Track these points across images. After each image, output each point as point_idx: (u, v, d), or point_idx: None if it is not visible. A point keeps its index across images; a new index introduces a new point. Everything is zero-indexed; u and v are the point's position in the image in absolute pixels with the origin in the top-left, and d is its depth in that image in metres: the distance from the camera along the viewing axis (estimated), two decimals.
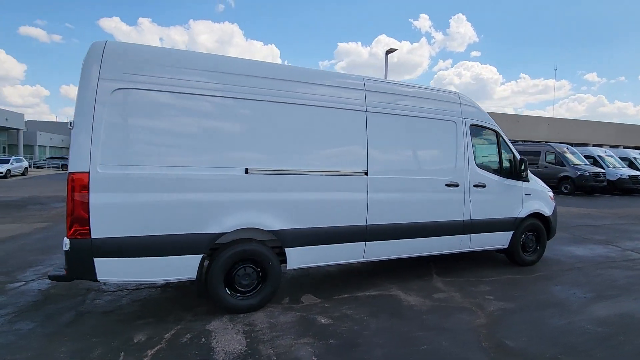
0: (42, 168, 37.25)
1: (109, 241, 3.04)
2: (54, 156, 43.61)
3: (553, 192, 6.04)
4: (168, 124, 3.31)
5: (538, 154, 17.29)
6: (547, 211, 5.49)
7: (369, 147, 4.11)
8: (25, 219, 8.54)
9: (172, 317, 3.47)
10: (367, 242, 4.11)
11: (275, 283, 3.69)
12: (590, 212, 11.19)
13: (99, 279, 3.07)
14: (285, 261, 3.76)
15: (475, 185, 4.79)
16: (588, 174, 15.74)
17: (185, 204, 3.28)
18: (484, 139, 5.23)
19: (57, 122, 60.76)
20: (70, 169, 2.99)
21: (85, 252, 2.99)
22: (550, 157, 16.93)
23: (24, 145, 40.94)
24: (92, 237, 2.99)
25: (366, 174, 4.06)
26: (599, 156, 18.15)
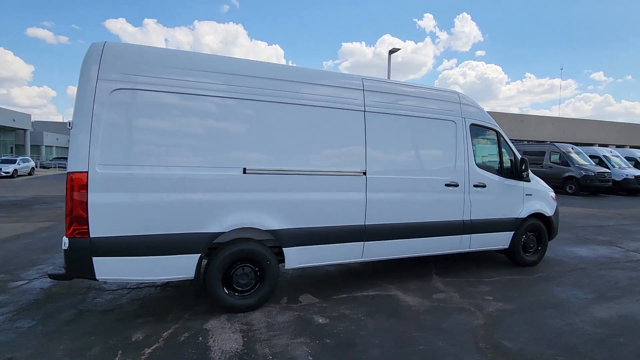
0: (48, 168, 37.60)
1: (107, 240, 3.07)
2: (60, 156, 43.98)
3: (557, 192, 6.00)
4: (166, 124, 3.34)
5: (542, 153, 17.17)
6: (549, 211, 5.45)
7: (368, 147, 4.10)
8: (30, 218, 8.64)
9: (171, 316, 3.49)
10: (365, 242, 4.11)
11: (273, 283, 3.70)
12: (595, 213, 11.09)
13: (97, 278, 3.10)
14: (283, 261, 3.77)
15: (475, 185, 4.77)
16: (593, 174, 15.59)
17: (183, 203, 3.30)
18: (485, 139, 5.21)
19: (63, 122, 61.20)
20: (69, 169, 3.02)
21: (83, 251, 3.01)
22: (555, 157, 16.79)
23: (30, 145, 41.31)
24: (91, 236, 3.02)
25: (365, 173, 4.06)
26: (605, 156, 17.98)
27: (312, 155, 3.87)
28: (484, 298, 4.11)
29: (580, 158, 16.73)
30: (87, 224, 3.00)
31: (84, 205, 2.98)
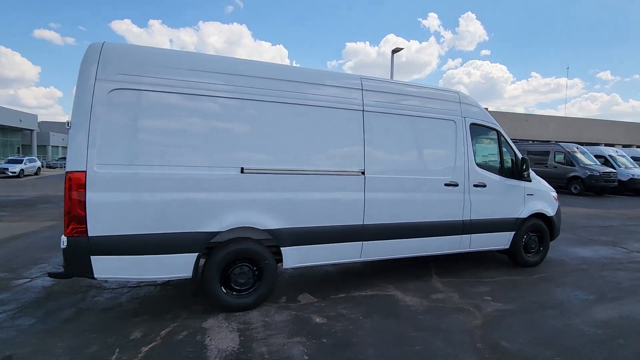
0: (54, 168, 37.97)
1: (105, 239, 3.10)
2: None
3: (562, 192, 5.96)
4: (165, 124, 3.36)
5: (547, 153, 17.03)
6: (550, 211, 5.41)
7: (366, 147, 4.10)
8: (34, 217, 8.73)
9: (169, 314, 3.52)
10: (364, 242, 4.10)
11: (271, 282, 3.71)
12: (599, 213, 10.98)
13: (95, 276, 3.13)
14: (281, 260, 3.77)
15: (475, 185, 4.74)
16: (598, 174, 15.43)
17: (181, 203, 3.31)
18: (485, 138, 5.18)
19: None
20: (68, 168, 3.05)
21: (82, 249, 3.04)
22: (560, 157, 16.64)
23: (37, 145, 41.74)
24: (89, 235, 3.04)
25: (363, 173, 4.06)
26: (610, 156, 17.78)
27: (310, 154, 3.87)
28: (483, 298, 4.09)
29: (586, 158, 16.56)
30: (86, 223, 3.02)
31: (82, 204, 3.01)
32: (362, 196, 4.05)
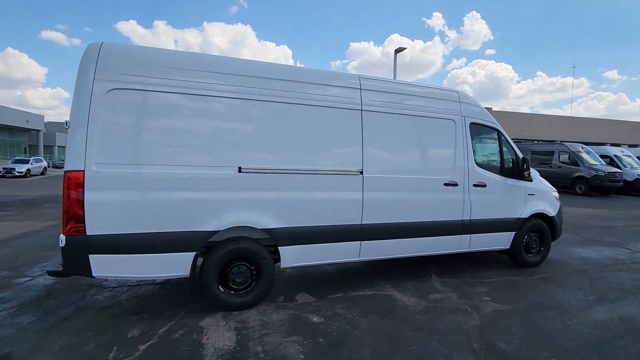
0: (60, 168, 38.28)
1: (103, 238, 3.12)
2: None
3: (567, 192, 5.92)
4: (163, 124, 3.38)
5: (551, 153, 16.90)
6: (552, 211, 5.37)
7: (365, 146, 4.10)
8: (39, 216, 8.82)
9: (167, 313, 3.54)
10: (362, 242, 4.10)
11: (269, 281, 3.72)
12: (604, 213, 10.88)
13: (94, 275, 3.16)
14: (279, 260, 3.78)
15: (475, 185, 4.72)
16: (603, 174, 15.29)
17: (179, 202, 3.33)
18: (485, 138, 5.16)
19: None
20: (66, 168, 3.08)
21: (80, 248, 3.07)
22: (564, 157, 16.51)
23: (43, 145, 42.20)
24: (87, 234, 3.07)
25: (361, 173, 4.06)
26: (616, 155, 17.60)
27: (308, 154, 3.87)
28: (482, 299, 4.07)
29: (591, 158, 16.41)
30: (84, 222, 3.05)
31: (81, 203, 3.04)
32: (360, 196, 4.05)
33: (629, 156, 18.24)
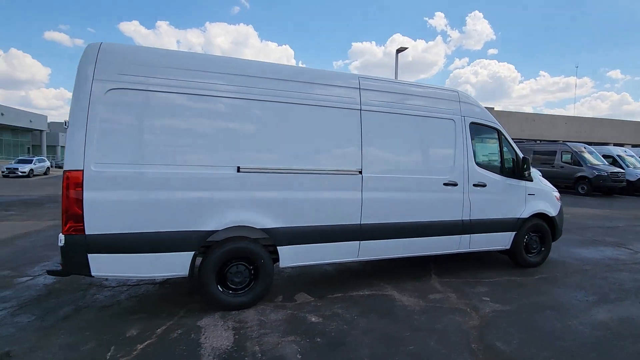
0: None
1: (102, 237, 3.13)
2: None
3: (569, 193, 5.90)
4: (161, 123, 3.39)
5: (554, 153, 16.82)
6: (552, 211, 5.35)
7: (364, 146, 4.09)
8: (41, 216, 8.86)
9: (166, 313, 3.54)
10: (361, 242, 4.09)
11: (267, 281, 3.72)
12: (606, 214, 10.83)
13: (93, 274, 3.17)
14: (278, 259, 3.78)
15: (475, 185, 4.71)
16: (606, 174, 15.21)
17: (177, 201, 3.34)
18: (485, 138, 5.14)
19: None
20: (65, 167, 3.09)
21: (79, 248, 3.08)
22: (567, 157, 16.43)
23: (47, 146, 42.40)
24: (86, 233, 3.08)
25: (360, 172, 4.05)
26: (619, 155, 17.51)
27: (307, 154, 3.87)
28: (481, 299, 4.06)
29: (593, 158, 16.33)
30: (83, 222, 3.06)
31: (80, 203, 3.05)
32: (359, 195, 4.04)
33: (632, 156, 18.15)
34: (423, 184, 4.42)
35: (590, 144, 19.38)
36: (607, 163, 16.51)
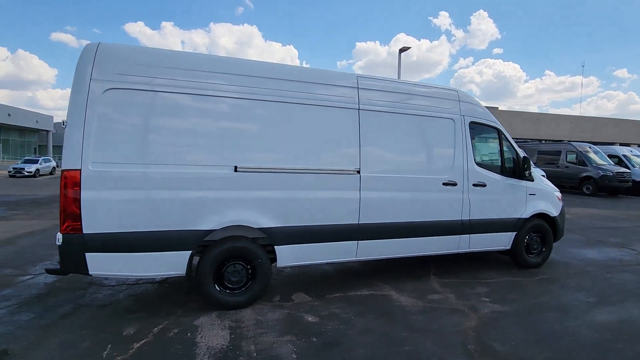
0: None
1: (100, 237, 3.15)
2: None
3: (574, 193, 5.85)
4: (158, 123, 3.40)
5: (558, 153, 16.67)
6: (554, 212, 5.30)
7: (362, 146, 4.08)
8: (45, 215, 8.94)
9: (164, 312, 3.56)
10: (359, 241, 4.08)
11: (264, 280, 3.72)
12: (611, 214, 10.71)
13: (90, 273, 3.19)
14: (276, 259, 3.78)
15: (474, 185, 4.68)
16: (611, 174, 15.05)
17: (175, 201, 3.35)
18: (485, 137, 5.11)
19: None
20: (63, 167, 3.12)
21: (77, 247, 3.11)
22: (572, 157, 16.27)
23: (53, 146, 42.75)
24: (84, 232, 3.10)
25: (359, 172, 4.04)
26: (624, 155, 17.30)
27: (304, 153, 3.87)
28: (480, 299, 4.03)
29: (599, 157, 16.16)
30: (80, 221, 3.08)
31: (77, 202, 3.07)
32: (357, 195, 4.03)
33: (638, 156, 17.92)
34: (422, 184, 4.40)
35: (595, 143, 19.19)
36: (612, 163, 16.34)
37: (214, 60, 3.76)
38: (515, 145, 5.14)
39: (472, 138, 4.75)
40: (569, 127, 33.02)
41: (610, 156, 17.03)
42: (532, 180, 5.13)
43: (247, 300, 3.66)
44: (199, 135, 3.50)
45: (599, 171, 15.26)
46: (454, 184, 4.55)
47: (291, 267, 4.58)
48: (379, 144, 4.24)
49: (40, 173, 25.28)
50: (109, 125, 3.21)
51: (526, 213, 5.04)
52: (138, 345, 2.94)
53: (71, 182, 3.07)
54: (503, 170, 4.98)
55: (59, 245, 3.12)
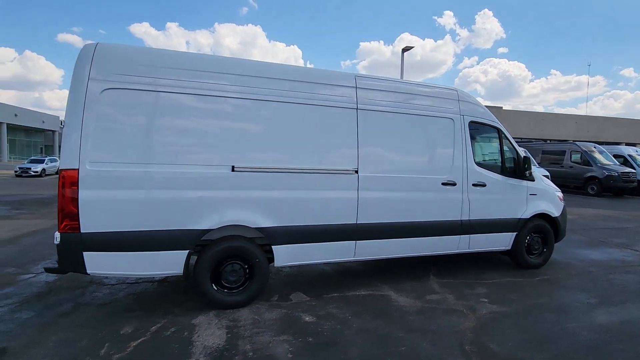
0: None
1: (97, 236, 3.17)
2: None
3: (579, 193, 5.79)
4: (156, 123, 3.41)
5: (563, 153, 16.54)
6: (555, 212, 5.25)
7: (360, 145, 4.07)
8: (49, 215, 9.01)
9: (162, 310, 3.57)
10: (357, 241, 4.08)
11: (262, 280, 3.73)
12: (615, 215, 10.60)
13: (88, 272, 3.21)
14: (273, 258, 3.78)
15: (474, 185, 4.65)
16: (617, 174, 14.89)
17: (172, 201, 3.37)
18: (485, 137, 5.08)
19: None
20: (61, 166, 3.14)
21: (75, 246, 3.13)
22: (576, 157, 16.13)
23: (59, 145, 43.13)
24: (82, 231, 3.13)
25: (357, 172, 4.03)
26: (630, 155, 17.11)
27: (302, 153, 3.87)
28: (479, 300, 4.01)
29: (604, 157, 16.00)
30: (78, 220, 3.11)
31: (75, 201, 3.10)
32: (355, 195, 4.03)
33: None
34: (421, 184, 4.38)
35: (601, 143, 19.01)
36: (618, 163, 16.18)
37: (209, 59, 3.77)
38: (515, 144, 5.10)
39: (472, 138, 4.73)
40: (574, 127, 32.71)
41: (615, 156, 16.87)
42: (533, 180, 5.09)
43: (245, 299, 3.66)
44: (197, 135, 3.51)
45: (604, 171, 15.11)
46: (453, 184, 4.52)
47: (289, 266, 4.58)
48: (378, 143, 4.23)
49: (47, 173, 25.51)
50: (107, 125, 3.23)
51: (527, 213, 5.01)
52: (135, 344, 2.96)
53: (69, 182, 3.10)
54: (503, 170, 4.95)
55: (57, 245, 3.15)
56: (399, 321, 3.46)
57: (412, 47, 16.43)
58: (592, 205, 12.36)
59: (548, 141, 25.69)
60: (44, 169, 25.06)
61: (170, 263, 3.40)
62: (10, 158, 37.10)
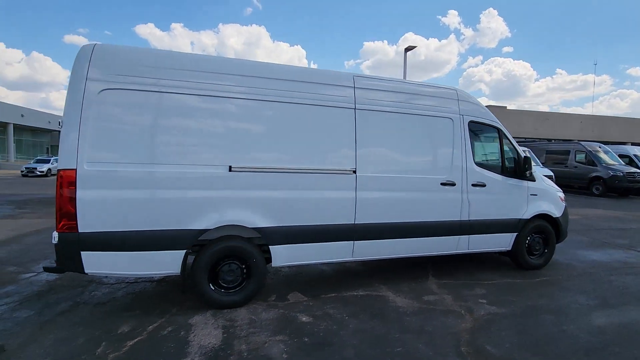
0: None
1: (95, 235, 3.20)
2: None
3: (583, 193, 5.75)
4: (153, 123, 3.43)
5: (567, 153, 16.40)
6: (556, 212, 5.21)
7: (358, 145, 4.06)
8: (52, 214, 8.99)
9: (159, 310, 3.59)
10: (355, 242, 4.07)
11: (259, 280, 3.74)
12: (619, 215, 10.50)
13: (86, 271, 3.24)
14: (271, 259, 3.79)
15: (473, 185, 4.63)
16: (622, 174, 14.73)
17: (169, 200, 3.38)
18: (485, 137, 5.05)
19: None
20: (59, 166, 3.16)
21: (72, 245, 3.16)
22: (581, 157, 15.99)
23: None
24: (80, 231, 3.15)
25: (354, 172, 4.03)
26: (635, 155, 16.95)
27: (300, 153, 3.87)
28: (478, 301, 3.98)
29: (608, 157, 15.84)
30: (76, 220, 3.13)
31: (73, 201, 3.12)
32: (353, 195, 4.02)
33: None
34: (419, 184, 4.37)
35: (606, 143, 18.82)
36: (623, 163, 16.02)
37: (212, 60, 3.78)
38: (516, 144, 5.07)
39: (472, 138, 4.71)
40: (579, 127, 32.43)
41: (621, 156, 16.71)
42: (534, 181, 5.06)
43: (242, 299, 3.67)
44: (194, 135, 3.53)
45: (609, 171, 14.97)
46: (453, 184, 4.50)
47: (287, 267, 4.59)
48: (376, 143, 4.21)
49: (52, 173, 25.72)
50: (105, 125, 3.25)
51: (527, 214, 4.97)
52: (131, 343, 2.98)
53: (67, 182, 3.12)
54: (503, 170, 4.92)
55: (55, 244, 3.18)
56: (396, 322, 3.45)
57: (415, 47, 16.38)
58: (596, 206, 12.25)
59: (552, 141, 25.49)
60: (49, 169, 25.30)
61: (167, 263, 3.41)
62: (16, 158, 37.45)
